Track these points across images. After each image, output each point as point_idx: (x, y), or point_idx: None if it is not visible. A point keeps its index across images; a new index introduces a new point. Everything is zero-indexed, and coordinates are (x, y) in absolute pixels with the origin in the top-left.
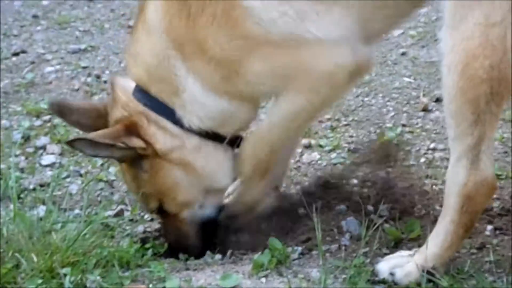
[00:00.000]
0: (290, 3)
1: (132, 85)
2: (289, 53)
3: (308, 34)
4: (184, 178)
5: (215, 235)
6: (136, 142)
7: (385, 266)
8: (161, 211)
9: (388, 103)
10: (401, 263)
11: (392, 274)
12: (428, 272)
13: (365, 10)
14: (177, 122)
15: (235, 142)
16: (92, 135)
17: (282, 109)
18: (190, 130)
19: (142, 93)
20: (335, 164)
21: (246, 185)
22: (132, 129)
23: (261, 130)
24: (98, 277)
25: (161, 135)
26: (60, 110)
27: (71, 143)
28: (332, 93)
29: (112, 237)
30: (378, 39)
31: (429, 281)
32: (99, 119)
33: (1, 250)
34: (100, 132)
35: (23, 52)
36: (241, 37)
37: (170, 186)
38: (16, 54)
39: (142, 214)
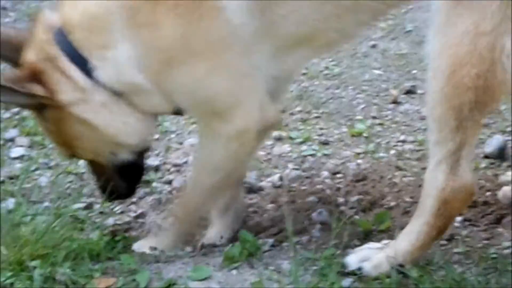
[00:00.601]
0: None
1: (57, 24)
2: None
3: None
4: (85, 132)
5: (140, 175)
6: (37, 90)
7: (354, 259)
8: None
9: (358, 96)
10: (370, 255)
11: (360, 268)
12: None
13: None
14: (87, 72)
15: None
16: None
17: (196, 160)
18: (98, 83)
19: (63, 37)
20: (305, 156)
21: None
22: (37, 74)
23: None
24: (68, 270)
25: (65, 85)
26: (6, 46)
27: None
28: (242, 147)
29: (82, 229)
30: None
31: (399, 272)
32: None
33: None
34: (5, 74)
35: None
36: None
37: (73, 139)
38: None
39: (112, 207)
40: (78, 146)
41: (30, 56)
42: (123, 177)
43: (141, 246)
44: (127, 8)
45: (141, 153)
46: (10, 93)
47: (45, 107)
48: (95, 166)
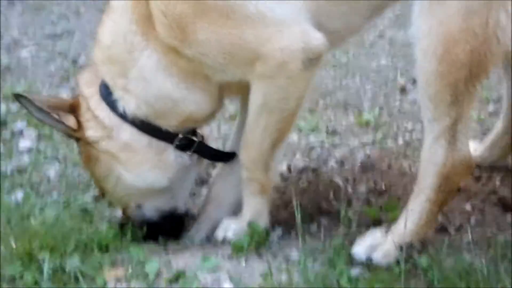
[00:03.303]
0: None
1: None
2: (234, 26)
3: (251, 6)
4: (111, 171)
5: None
6: (69, 121)
7: (361, 249)
8: None
9: (365, 85)
10: (375, 243)
11: (369, 258)
12: (406, 249)
13: None
14: (112, 107)
15: (187, 146)
16: (34, 96)
17: (251, 103)
18: (123, 118)
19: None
20: (313, 146)
21: (247, 195)
22: (75, 107)
23: (245, 132)
24: (77, 261)
25: (93, 122)
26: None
27: (17, 97)
28: (290, 82)
29: (91, 221)
30: (337, 41)
31: (407, 261)
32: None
33: None
34: (43, 98)
35: None
36: None
37: (99, 177)
38: None
39: None
40: (104, 189)
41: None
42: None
43: (226, 227)
44: (138, 19)
45: (170, 216)
46: (45, 116)
47: (79, 140)
48: (125, 215)
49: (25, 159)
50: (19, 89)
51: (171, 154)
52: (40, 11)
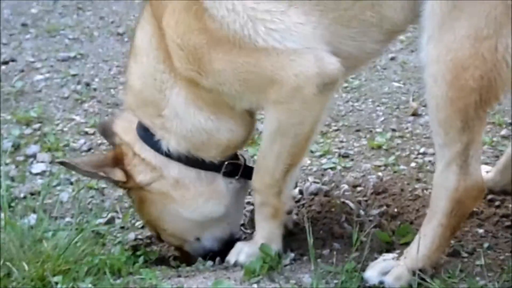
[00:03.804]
0: (241, 2)
1: (131, 117)
2: (248, 55)
3: (259, 39)
4: (167, 210)
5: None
6: (117, 175)
7: (373, 273)
8: None
9: (378, 108)
10: (388, 267)
11: (381, 281)
12: (418, 274)
13: (329, 18)
14: (156, 148)
15: (234, 171)
16: (74, 161)
17: (265, 129)
18: (169, 156)
19: (139, 123)
20: (325, 169)
21: (259, 219)
22: (118, 159)
23: (258, 157)
24: (90, 285)
25: (142, 166)
26: (105, 131)
27: (62, 164)
28: (305, 107)
29: (103, 244)
30: (351, 65)
31: (419, 285)
32: None
33: None
34: (85, 159)
35: (13, 60)
36: (202, 31)
37: (155, 218)
38: (5, 62)
39: (133, 221)
40: (161, 228)
41: (117, 140)
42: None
43: (239, 250)
44: (163, 57)
45: (228, 242)
46: (93, 175)
47: (130, 189)
48: (183, 256)
49: (38, 182)
50: (33, 113)
51: (221, 182)
52: (53, 35)
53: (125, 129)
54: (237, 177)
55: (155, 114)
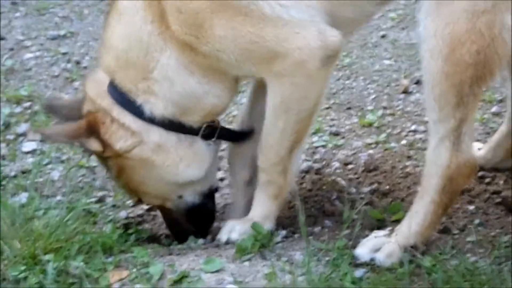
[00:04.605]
0: None
1: (105, 78)
2: (253, 25)
3: (267, 7)
4: (148, 175)
5: (211, 218)
6: (93, 145)
7: (364, 250)
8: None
9: (369, 86)
10: (379, 244)
11: (373, 258)
12: (410, 251)
13: None
14: (138, 112)
15: (211, 133)
16: (48, 130)
17: (268, 105)
18: (151, 121)
19: (113, 86)
20: (316, 147)
21: (260, 197)
22: (94, 127)
23: (262, 135)
24: (81, 263)
25: (121, 132)
26: (52, 108)
27: (38, 132)
28: (309, 81)
29: (95, 223)
30: (349, 30)
31: (411, 262)
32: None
33: None
34: (59, 127)
35: (2, 39)
36: None
37: (137, 184)
38: None
39: (124, 199)
40: (143, 192)
41: (86, 108)
42: (193, 221)
43: (230, 228)
44: (153, 18)
45: (209, 194)
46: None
47: (108, 158)
48: (165, 213)
49: (29, 161)
50: (23, 91)
51: (201, 145)
52: (43, 13)
53: (99, 94)
54: (214, 139)
55: (139, 77)
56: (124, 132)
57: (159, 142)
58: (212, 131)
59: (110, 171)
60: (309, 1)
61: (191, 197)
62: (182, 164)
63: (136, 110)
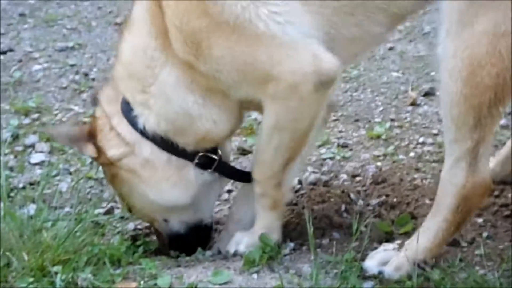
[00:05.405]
0: None
1: (117, 86)
2: (247, 44)
3: (260, 24)
4: (135, 188)
5: (191, 250)
6: (88, 150)
7: (372, 263)
8: None
9: (376, 98)
10: (388, 258)
11: (381, 271)
12: (418, 266)
13: (328, 11)
14: (134, 124)
15: (208, 164)
16: (54, 130)
17: (263, 123)
18: (143, 135)
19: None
20: (324, 159)
21: (259, 210)
22: (93, 134)
23: (256, 149)
24: (89, 275)
25: (115, 141)
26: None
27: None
28: (303, 104)
29: (103, 234)
30: (353, 52)
31: (419, 275)
32: None
33: None
34: (64, 130)
35: (11, 50)
36: (202, 15)
37: (126, 196)
38: (3, 52)
39: None
40: (132, 205)
41: (98, 113)
42: (175, 247)
43: (238, 240)
44: (157, 34)
45: (196, 228)
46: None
47: (102, 164)
48: (154, 229)
49: (37, 172)
50: (31, 103)
51: (191, 172)
52: (51, 25)
53: (109, 99)
54: (210, 170)
55: (139, 89)
56: (118, 141)
57: (148, 158)
58: (209, 162)
59: (106, 176)
60: (306, 18)
61: (176, 224)
62: (166, 185)
63: (132, 121)
